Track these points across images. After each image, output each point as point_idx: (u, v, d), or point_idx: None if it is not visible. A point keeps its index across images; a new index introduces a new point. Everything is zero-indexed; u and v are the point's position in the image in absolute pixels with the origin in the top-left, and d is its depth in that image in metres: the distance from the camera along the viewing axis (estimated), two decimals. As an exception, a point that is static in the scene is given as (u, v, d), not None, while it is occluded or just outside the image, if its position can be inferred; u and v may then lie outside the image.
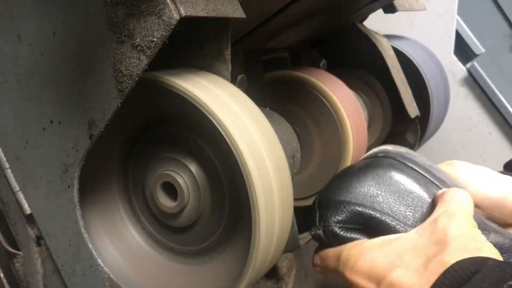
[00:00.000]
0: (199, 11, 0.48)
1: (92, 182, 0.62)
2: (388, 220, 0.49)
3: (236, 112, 0.53)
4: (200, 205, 0.58)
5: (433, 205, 0.51)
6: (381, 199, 0.50)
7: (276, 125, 0.75)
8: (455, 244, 0.43)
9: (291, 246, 0.77)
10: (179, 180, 0.57)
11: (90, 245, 0.58)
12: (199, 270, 0.61)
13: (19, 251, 0.64)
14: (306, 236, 1.01)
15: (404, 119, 1.20)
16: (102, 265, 0.59)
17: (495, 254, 0.43)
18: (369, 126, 1.21)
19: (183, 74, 0.54)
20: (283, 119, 0.83)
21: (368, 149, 1.11)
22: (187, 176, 0.57)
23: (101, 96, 0.51)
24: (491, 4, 1.77)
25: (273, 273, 1.06)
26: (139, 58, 0.47)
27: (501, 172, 0.59)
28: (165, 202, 0.59)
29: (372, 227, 0.50)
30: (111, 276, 0.59)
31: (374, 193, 0.51)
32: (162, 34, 0.46)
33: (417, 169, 0.53)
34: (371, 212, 0.49)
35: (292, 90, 0.96)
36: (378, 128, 1.26)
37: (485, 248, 0.43)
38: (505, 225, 0.55)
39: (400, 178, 0.52)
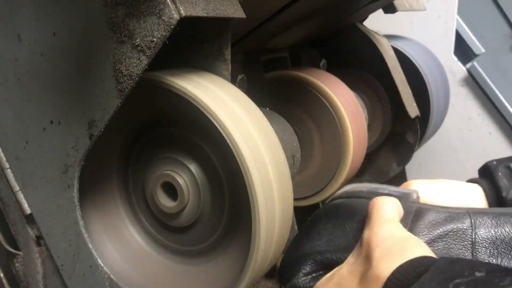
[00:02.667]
0: (199, 11, 0.48)
1: (92, 182, 0.62)
2: (344, 256, 0.49)
3: (236, 112, 0.53)
4: (200, 205, 0.58)
5: None
6: (332, 237, 0.50)
7: (276, 125, 0.75)
8: (379, 252, 0.41)
9: (291, 246, 0.77)
10: (179, 180, 0.57)
11: (90, 245, 0.58)
12: (199, 270, 0.61)
13: (19, 251, 0.64)
14: (306, 236, 1.01)
15: (404, 119, 1.20)
16: (102, 265, 0.59)
17: (424, 251, 0.41)
18: (369, 126, 1.21)
19: (183, 74, 0.54)
20: (283, 119, 0.83)
21: (368, 149, 1.12)
22: (187, 176, 0.57)
23: (101, 96, 0.51)
24: (491, 4, 1.77)
25: (273, 273, 1.06)
26: (139, 58, 0.47)
27: (471, 179, 0.58)
28: (165, 202, 0.59)
29: (331, 266, 0.49)
30: (111, 276, 0.59)
31: (327, 236, 0.50)
32: (162, 34, 0.46)
33: (363, 195, 0.53)
34: (327, 255, 0.49)
35: (292, 90, 0.96)
36: (378, 128, 1.26)
37: (410, 246, 0.41)
38: None
39: (347, 209, 0.51)
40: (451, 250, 0.45)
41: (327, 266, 0.48)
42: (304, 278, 0.49)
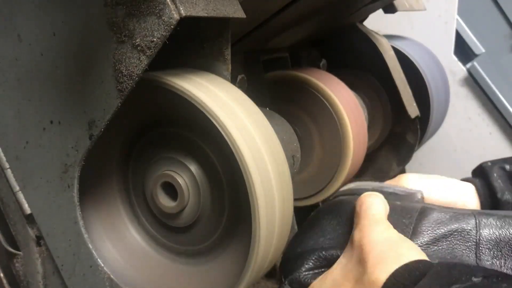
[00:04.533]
0: (199, 11, 0.48)
1: (92, 182, 0.62)
2: (336, 253, 0.49)
3: (236, 112, 0.53)
4: (200, 205, 0.58)
5: None
6: (336, 235, 0.50)
7: (276, 125, 0.75)
8: (373, 258, 0.41)
9: (291, 246, 0.77)
10: (179, 180, 0.57)
11: (90, 245, 0.58)
12: (199, 270, 0.61)
13: (19, 251, 0.64)
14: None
15: (404, 119, 1.20)
16: (102, 265, 0.59)
17: (417, 254, 0.41)
18: (369, 126, 1.21)
19: (183, 74, 0.54)
20: (283, 119, 0.83)
21: (368, 149, 1.11)
22: (187, 176, 0.57)
23: (101, 96, 0.51)
24: (491, 4, 1.77)
25: (273, 273, 1.06)
26: (139, 58, 0.47)
27: (464, 178, 0.58)
28: (165, 202, 0.59)
29: (329, 264, 0.49)
30: (111, 276, 0.59)
31: (332, 233, 0.50)
32: (162, 34, 0.46)
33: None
34: (332, 252, 0.49)
35: (292, 90, 0.96)
36: (378, 128, 1.26)
37: (405, 251, 0.41)
38: None
39: (351, 206, 0.51)
40: (455, 250, 0.45)
41: (331, 262, 0.48)
42: (306, 273, 0.49)
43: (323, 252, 0.49)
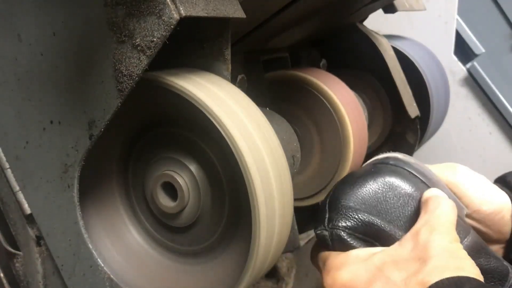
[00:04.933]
0: (199, 11, 0.48)
1: (92, 182, 0.62)
2: (392, 230, 0.49)
3: (236, 112, 0.53)
4: (200, 205, 0.58)
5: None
6: (388, 208, 0.50)
7: (276, 125, 0.75)
8: (436, 262, 0.42)
9: (291, 246, 0.77)
10: (179, 180, 0.57)
11: (90, 245, 0.58)
12: (199, 270, 0.61)
13: (19, 251, 0.64)
14: (306, 236, 1.01)
15: (404, 119, 1.20)
16: (102, 265, 0.59)
17: (476, 274, 0.42)
18: (369, 126, 1.21)
19: (183, 74, 0.54)
20: (283, 119, 0.83)
21: (368, 149, 1.11)
22: (187, 176, 0.57)
23: (101, 96, 0.51)
24: (491, 4, 1.77)
25: (273, 273, 1.06)
26: (139, 58, 0.47)
27: (498, 182, 0.58)
28: (165, 202, 0.59)
29: (378, 237, 0.49)
30: (111, 276, 0.59)
31: (382, 202, 0.50)
32: (162, 34, 0.46)
33: (419, 176, 0.53)
34: (378, 222, 0.49)
35: (292, 90, 0.96)
36: (378, 128, 1.26)
37: (466, 267, 0.42)
38: (488, 240, 0.54)
39: (404, 185, 0.51)
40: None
41: (380, 238, 0.49)
42: (349, 232, 0.49)
43: (380, 225, 0.49)
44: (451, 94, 1.59)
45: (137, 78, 0.48)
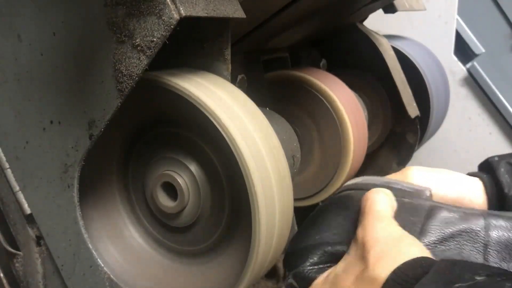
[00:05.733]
0: (199, 11, 0.48)
1: (92, 182, 0.62)
2: (342, 248, 0.48)
3: (236, 112, 0.53)
4: (200, 205, 0.58)
5: None
6: (332, 231, 0.49)
7: (276, 125, 0.75)
8: (374, 255, 0.40)
9: (291, 246, 0.77)
10: (179, 180, 0.57)
11: (90, 245, 0.58)
12: (199, 270, 0.61)
13: (19, 251, 0.64)
14: (306, 236, 1.01)
15: (404, 119, 1.20)
16: (102, 265, 0.59)
17: (419, 251, 0.40)
18: (369, 126, 1.21)
19: (183, 74, 0.54)
20: (283, 119, 0.83)
21: (368, 149, 1.11)
22: (187, 176, 0.57)
23: (101, 96, 0.51)
24: (491, 4, 1.77)
25: (273, 273, 1.06)
26: (139, 58, 0.47)
27: (471, 173, 0.57)
28: (165, 202, 0.59)
29: (334, 260, 0.48)
30: (111, 276, 0.59)
31: (338, 228, 0.50)
32: (162, 34, 0.46)
33: (364, 188, 0.52)
34: (338, 248, 0.48)
35: (292, 90, 0.96)
36: (378, 128, 1.26)
37: (407, 248, 0.40)
38: None
39: (358, 202, 0.50)
40: (463, 251, 0.44)
41: (336, 258, 0.48)
42: (311, 268, 0.48)
43: (329, 248, 0.48)
44: (451, 94, 1.59)
45: (137, 78, 0.48)
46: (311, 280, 0.48)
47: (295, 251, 0.51)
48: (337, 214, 0.51)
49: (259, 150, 0.52)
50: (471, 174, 0.57)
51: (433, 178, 0.54)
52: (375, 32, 1.20)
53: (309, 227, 0.52)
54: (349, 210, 0.50)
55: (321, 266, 0.48)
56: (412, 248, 0.40)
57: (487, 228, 0.45)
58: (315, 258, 0.49)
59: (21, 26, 0.55)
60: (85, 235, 0.58)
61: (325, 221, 0.51)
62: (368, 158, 1.21)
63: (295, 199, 0.61)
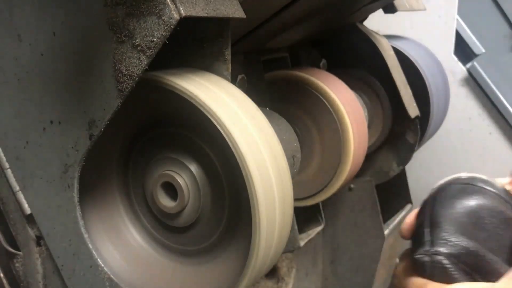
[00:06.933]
0: (199, 11, 0.48)
1: (92, 182, 0.62)
2: (494, 261, 0.46)
3: (236, 112, 0.53)
4: (200, 205, 0.58)
5: None
6: (490, 235, 0.47)
7: (276, 125, 0.75)
8: None
9: (291, 246, 0.77)
10: (179, 180, 0.57)
11: (90, 245, 0.58)
12: (199, 270, 0.61)
13: (19, 251, 0.64)
14: (306, 236, 1.01)
15: (404, 119, 1.20)
16: (102, 265, 0.59)
17: None
18: (369, 126, 1.21)
19: (183, 74, 0.54)
20: (283, 119, 0.83)
21: (368, 149, 1.11)
22: (187, 176, 0.57)
23: (101, 96, 0.51)
24: (491, 4, 1.77)
25: (273, 273, 1.06)
26: (139, 58, 0.47)
27: None
28: (165, 202, 0.59)
29: (478, 268, 0.46)
30: (111, 276, 0.59)
31: (485, 229, 0.47)
32: (162, 34, 0.46)
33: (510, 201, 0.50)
34: (482, 252, 0.46)
35: (292, 90, 0.96)
36: (378, 128, 1.26)
37: None
38: None
39: (504, 211, 0.48)
40: None
41: (477, 264, 0.45)
42: (452, 260, 0.46)
43: (483, 254, 0.45)
44: (451, 94, 1.59)
45: (137, 78, 0.48)
46: (448, 274, 0.45)
47: (439, 230, 0.47)
48: (480, 213, 0.48)
49: (259, 150, 0.52)
50: None
51: None
52: (375, 32, 1.20)
53: (455, 210, 0.48)
54: (493, 217, 0.47)
55: (460, 264, 0.46)
56: None
57: None
58: (456, 250, 0.46)
59: (21, 26, 0.55)
60: (85, 235, 0.58)
61: (468, 214, 0.47)
62: (368, 158, 1.21)
63: (295, 199, 0.61)
